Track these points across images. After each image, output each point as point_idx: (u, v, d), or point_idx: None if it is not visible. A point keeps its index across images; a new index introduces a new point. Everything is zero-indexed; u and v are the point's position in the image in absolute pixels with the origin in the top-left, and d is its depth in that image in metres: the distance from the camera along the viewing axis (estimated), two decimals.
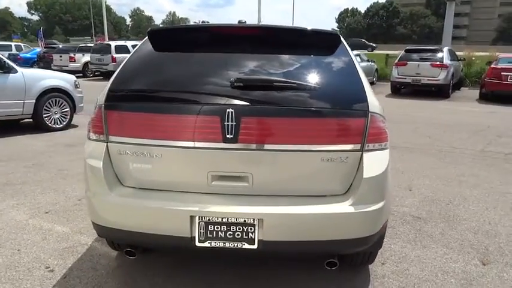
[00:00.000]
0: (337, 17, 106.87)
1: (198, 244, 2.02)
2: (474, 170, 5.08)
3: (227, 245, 2.02)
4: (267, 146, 2.00)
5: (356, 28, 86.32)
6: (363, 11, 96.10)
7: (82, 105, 7.87)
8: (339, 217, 2.01)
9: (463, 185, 4.52)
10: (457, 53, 14.73)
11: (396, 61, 13.38)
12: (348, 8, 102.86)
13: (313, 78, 2.15)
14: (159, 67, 2.27)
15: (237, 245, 2.02)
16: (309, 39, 2.36)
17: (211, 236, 2.01)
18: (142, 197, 2.10)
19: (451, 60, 12.87)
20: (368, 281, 2.59)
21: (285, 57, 2.26)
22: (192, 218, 2.00)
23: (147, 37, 2.43)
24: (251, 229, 1.99)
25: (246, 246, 2.01)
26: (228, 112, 1.96)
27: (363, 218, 2.04)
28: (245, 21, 2.63)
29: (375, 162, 2.07)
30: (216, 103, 2.03)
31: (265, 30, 2.37)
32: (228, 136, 1.97)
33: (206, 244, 2.02)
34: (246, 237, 2.00)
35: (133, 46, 18.97)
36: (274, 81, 2.08)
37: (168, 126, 2.05)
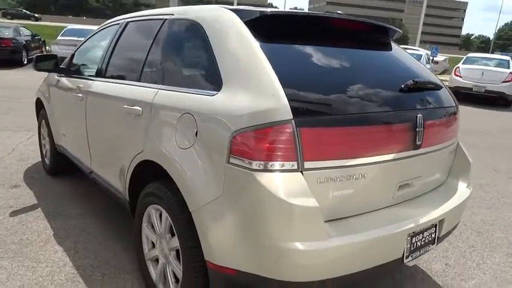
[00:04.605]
0: None
1: (405, 261, 1.87)
2: None
3: (421, 252, 1.96)
4: (436, 147, 2.07)
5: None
6: None
7: None
8: (467, 199, 2.23)
9: None
10: None
11: None
12: None
13: (433, 77, 2.30)
14: (320, 66, 1.90)
15: (426, 250, 1.99)
16: (388, 36, 2.38)
17: (413, 248, 1.89)
18: (353, 230, 1.71)
19: None
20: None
21: (394, 55, 2.29)
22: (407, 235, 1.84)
23: (247, 24, 1.85)
24: (433, 230, 1.99)
25: (431, 246, 2.01)
26: (418, 117, 1.92)
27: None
28: (341, 13, 2.34)
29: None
30: (406, 108, 1.94)
31: (370, 27, 2.25)
32: (417, 143, 1.93)
33: (410, 259, 1.89)
34: (431, 238, 1.99)
35: None
36: (431, 82, 2.18)
37: (373, 140, 1.79)
